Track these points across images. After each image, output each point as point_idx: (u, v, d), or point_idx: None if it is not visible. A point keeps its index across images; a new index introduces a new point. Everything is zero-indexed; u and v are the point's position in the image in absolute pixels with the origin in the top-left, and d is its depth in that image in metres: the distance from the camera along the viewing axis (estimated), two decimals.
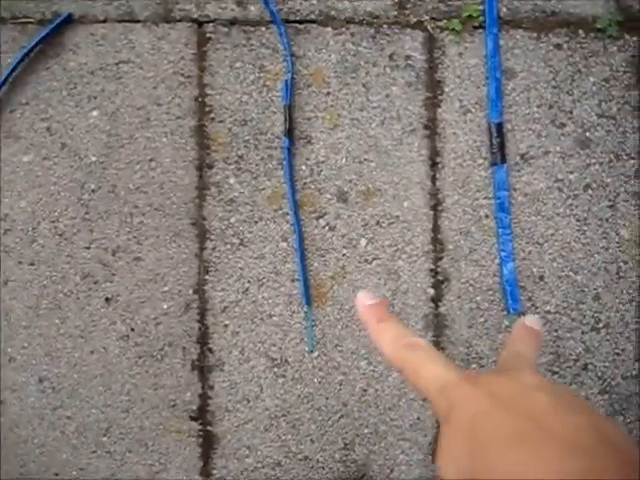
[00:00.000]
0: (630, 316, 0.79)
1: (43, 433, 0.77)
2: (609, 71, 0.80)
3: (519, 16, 0.80)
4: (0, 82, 0.76)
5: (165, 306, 0.77)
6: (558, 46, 0.80)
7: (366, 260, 0.77)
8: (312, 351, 0.77)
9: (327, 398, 0.77)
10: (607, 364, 0.79)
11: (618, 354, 0.79)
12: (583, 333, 0.79)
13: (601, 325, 0.79)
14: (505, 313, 0.78)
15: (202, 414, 0.77)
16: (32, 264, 0.77)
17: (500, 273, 0.78)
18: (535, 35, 0.80)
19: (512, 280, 0.78)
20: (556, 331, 0.79)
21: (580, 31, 0.80)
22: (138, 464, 0.77)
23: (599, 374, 0.79)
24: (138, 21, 0.78)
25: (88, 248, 0.77)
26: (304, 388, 0.77)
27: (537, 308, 0.78)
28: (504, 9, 0.80)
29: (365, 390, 0.77)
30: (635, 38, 0.80)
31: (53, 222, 0.77)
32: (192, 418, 0.77)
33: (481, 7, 0.79)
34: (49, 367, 0.77)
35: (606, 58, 0.80)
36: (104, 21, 0.78)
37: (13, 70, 0.76)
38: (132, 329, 0.77)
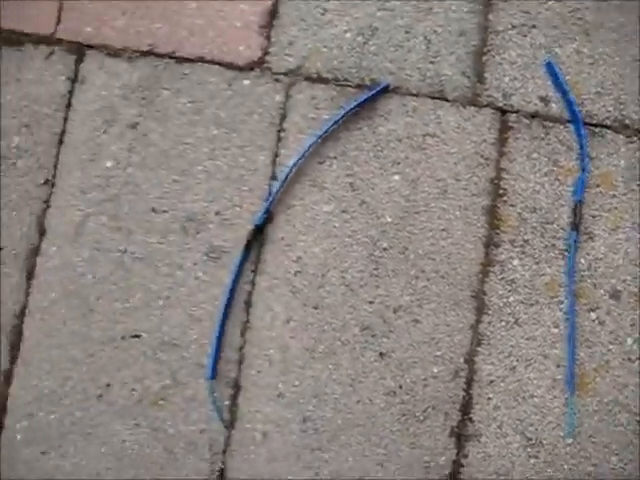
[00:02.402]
0: None
1: (298, 471, 0.79)
2: None
3: None
4: (318, 137, 0.81)
5: (435, 370, 0.80)
6: None
7: (630, 359, 0.80)
8: (571, 438, 0.79)
9: None
10: None
11: None
12: None
13: None
14: None
15: None
16: (316, 308, 0.81)
17: None
18: None
19: None
20: None
21: None
22: None
23: None
24: (447, 100, 0.84)
25: (371, 302, 0.81)
26: (554, 472, 0.79)
27: None
28: None
29: None
30: None
31: (342, 272, 0.81)
32: None
33: None
34: (315, 409, 0.80)
35: None
36: (416, 95, 0.84)
37: (332, 126, 0.82)
38: (400, 386, 0.80)
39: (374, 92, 0.82)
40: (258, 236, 0.81)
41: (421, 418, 0.80)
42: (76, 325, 0.82)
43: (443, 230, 0.82)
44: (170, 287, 0.82)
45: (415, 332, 0.81)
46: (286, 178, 0.81)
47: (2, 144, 0.85)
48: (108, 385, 0.81)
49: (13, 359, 0.82)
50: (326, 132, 0.82)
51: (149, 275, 0.82)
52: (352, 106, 0.82)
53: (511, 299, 0.81)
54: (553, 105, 0.84)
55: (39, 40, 0.86)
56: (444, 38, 0.85)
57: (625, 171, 0.83)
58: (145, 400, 0.80)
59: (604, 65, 0.85)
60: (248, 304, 0.81)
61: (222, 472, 0.79)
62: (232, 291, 0.80)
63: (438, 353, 0.80)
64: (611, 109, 0.84)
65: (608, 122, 0.84)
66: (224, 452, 0.80)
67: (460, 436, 0.80)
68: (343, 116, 0.82)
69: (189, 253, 0.82)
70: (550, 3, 0.85)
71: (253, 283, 0.81)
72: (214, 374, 0.79)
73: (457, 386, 0.80)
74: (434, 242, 0.82)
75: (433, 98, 0.84)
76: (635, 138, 0.84)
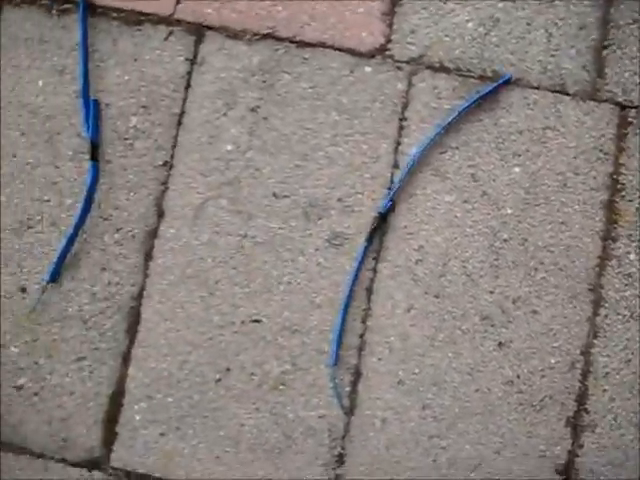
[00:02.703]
0: None
1: (416, 458, 0.80)
2: None
3: None
4: (442, 126, 0.82)
5: (552, 361, 0.81)
6: None
7: None
8: None
9: None
10: None
11: None
12: None
13: None
14: None
15: (568, 470, 0.80)
16: (437, 297, 0.81)
17: None
18: None
19: None
20: None
21: None
22: None
23: None
24: (567, 94, 0.84)
25: (491, 292, 0.82)
26: None
27: None
28: None
29: None
30: None
31: (463, 262, 0.82)
32: (557, 472, 0.80)
33: None
34: (434, 397, 0.81)
35: None
36: (537, 88, 0.84)
37: (456, 116, 0.82)
38: (518, 376, 0.81)
39: (497, 84, 0.83)
40: (381, 224, 0.81)
41: (538, 408, 0.81)
42: (195, 308, 0.82)
43: (562, 223, 0.83)
44: (291, 272, 0.82)
45: (533, 323, 0.81)
46: (411, 167, 0.81)
47: (120, 125, 0.84)
48: (227, 369, 0.81)
49: (131, 341, 0.82)
50: (450, 122, 0.82)
51: (270, 260, 0.82)
52: (477, 97, 0.82)
53: (627, 293, 0.82)
54: None
55: (158, 20, 0.85)
56: (565, 31, 0.85)
57: None
58: (265, 385, 0.81)
59: None
60: (369, 291, 0.81)
61: (341, 457, 0.80)
62: (355, 278, 0.80)
63: (555, 344, 0.81)
64: None
65: None
66: (343, 438, 0.80)
67: (576, 426, 0.81)
68: (468, 107, 0.82)
69: (310, 239, 0.82)
70: None
71: (375, 271, 0.82)
72: (336, 361, 0.80)
73: (573, 377, 0.81)
74: (553, 235, 0.82)
75: (553, 92, 0.84)
76: None
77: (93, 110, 0.82)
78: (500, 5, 0.86)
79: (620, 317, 0.82)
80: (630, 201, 0.83)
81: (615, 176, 0.84)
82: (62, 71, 0.85)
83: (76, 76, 0.85)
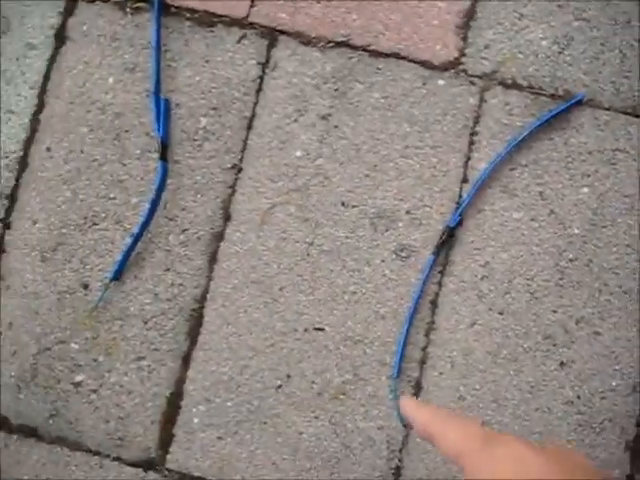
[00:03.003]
0: None
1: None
2: None
3: None
4: (513, 143, 0.81)
5: (613, 383, 0.81)
6: None
7: None
8: None
9: None
10: None
11: None
12: None
13: None
14: None
15: None
16: (501, 313, 0.81)
17: None
18: None
19: None
20: None
21: None
22: None
23: None
24: (638, 116, 0.84)
25: (555, 312, 0.81)
26: None
27: None
28: None
29: None
30: None
31: (528, 280, 0.82)
32: None
33: None
34: (494, 413, 0.80)
35: None
36: (608, 109, 0.84)
37: (527, 134, 0.82)
38: (578, 397, 0.81)
39: (569, 104, 0.82)
40: (448, 238, 0.81)
41: (597, 430, 0.81)
42: (258, 314, 0.81)
43: (628, 246, 0.82)
44: (356, 283, 0.81)
45: (596, 344, 0.81)
46: (481, 182, 0.81)
47: (189, 125, 0.84)
48: (288, 376, 0.81)
49: (192, 343, 0.82)
50: (521, 140, 0.82)
51: (335, 269, 0.82)
52: (548, 116, 0.82)
53: None
54: None
55: (231, 22, 0.85)
56: (639, 53, 0.85)
57: None
58: (325, 394, 0.80)
59: None
60: (434, 305, 0.81)
61: (398, 470, 0.80)
62: (420, 291, 0.80)
63: (617, 367, 0.81)
64: None
65: None
66: (401, 450, 0.80)
67: (635, 451, 0.81)
68: (539, 125, 0.82)
69: (377, 250, 0.82)
70: None
71: (440, 284, 0.81)
72: (398, 373, 0.79)
73: (634, 401, 0.81)
74: (619, 257, 0.82)
75: (625, 113, 0.84)
76: None
77: (164, 110, 0.82)
78: (575, 24, 0.85)
79: None
80: None
81: None
82: (133, 69, 0.85)
83: (147, 75, 0.85)
